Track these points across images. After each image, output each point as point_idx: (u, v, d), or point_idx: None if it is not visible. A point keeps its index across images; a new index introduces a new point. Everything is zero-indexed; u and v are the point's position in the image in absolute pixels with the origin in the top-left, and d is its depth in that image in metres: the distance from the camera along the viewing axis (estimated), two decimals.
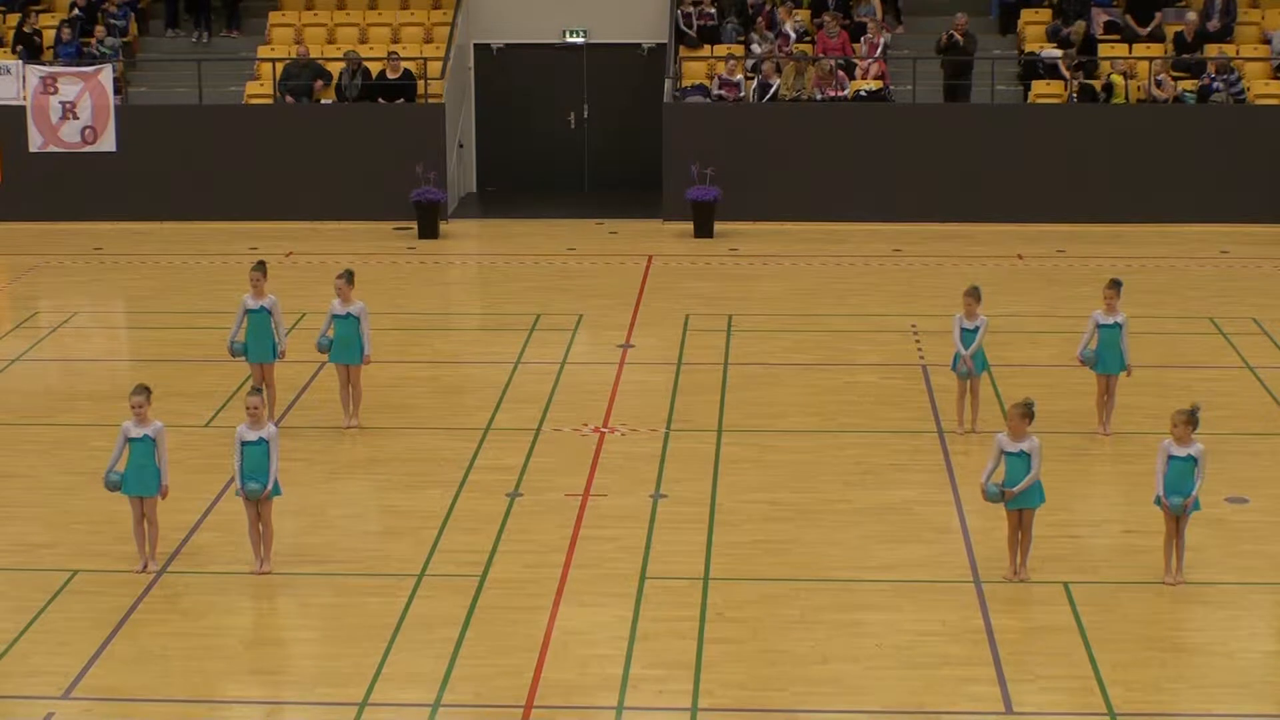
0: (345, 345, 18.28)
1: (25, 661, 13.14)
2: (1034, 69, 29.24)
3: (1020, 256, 26.14)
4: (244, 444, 14.68)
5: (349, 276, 18.54)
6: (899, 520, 15.87)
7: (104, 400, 19.32)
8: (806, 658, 13.16)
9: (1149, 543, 14.70)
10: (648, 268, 25.54)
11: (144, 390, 14.75)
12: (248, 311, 18.38)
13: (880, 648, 13.33)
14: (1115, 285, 18.19)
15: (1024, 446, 14.35)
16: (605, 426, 18.43)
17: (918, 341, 21.52)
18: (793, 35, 29.48)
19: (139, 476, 14.68)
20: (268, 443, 14.66)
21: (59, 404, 19.41)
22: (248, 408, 14.78)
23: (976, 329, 17.99)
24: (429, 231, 27.60)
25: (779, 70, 28.66)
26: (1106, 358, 18.04)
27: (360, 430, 18.29)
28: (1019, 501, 14.38)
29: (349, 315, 18.31)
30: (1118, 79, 28.23)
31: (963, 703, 12.50)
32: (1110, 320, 18.00)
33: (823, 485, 16.77)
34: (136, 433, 14.65)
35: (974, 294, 18.13)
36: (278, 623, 14.15)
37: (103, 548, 15.03)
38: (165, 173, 28.48)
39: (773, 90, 28.33)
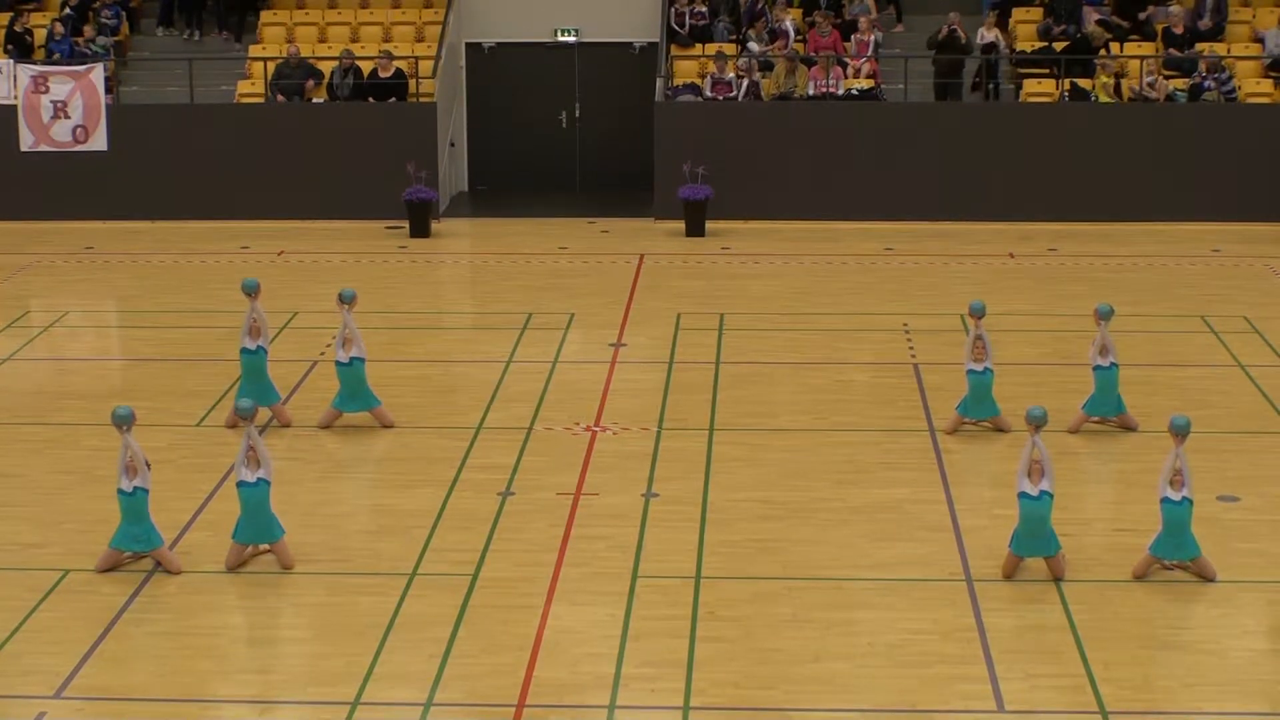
0: (352, 395, 18.19)
1: (17, 661, 13.13)
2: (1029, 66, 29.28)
3: (1012, 255, 26.15)
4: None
5: None
6: (891, 519, 15.87)
7: (95, 399, 19.29)
8: (798, 656, 13.16)
9: (1140, 541, 14.71)
10: (639, 266, 25.53)
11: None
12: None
13: (872, 646, 13.33)
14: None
15: None
16: (597, 425, 18.42)
17: (909, 340, 21.53)
18: (792, 33, 29.46)
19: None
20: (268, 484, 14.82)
21: (50, 403, 19.38)
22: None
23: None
24: (420, 230, 27.56)
25: (764, 69, 28.59)
26: (1103, 401, 18.02)
27: (353, 429, 18.27)
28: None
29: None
30: (1108, 82, 28.20)
31: (954, 701, 12.50)
32: (1107, 361, 17.92)
33: (815, 484, 16.76)
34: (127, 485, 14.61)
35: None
36: (269, 622, 14.14)
37: (94, 547, 14.99)
38: (156, 172, 28.43)
39: (756, 88, 28.29)
